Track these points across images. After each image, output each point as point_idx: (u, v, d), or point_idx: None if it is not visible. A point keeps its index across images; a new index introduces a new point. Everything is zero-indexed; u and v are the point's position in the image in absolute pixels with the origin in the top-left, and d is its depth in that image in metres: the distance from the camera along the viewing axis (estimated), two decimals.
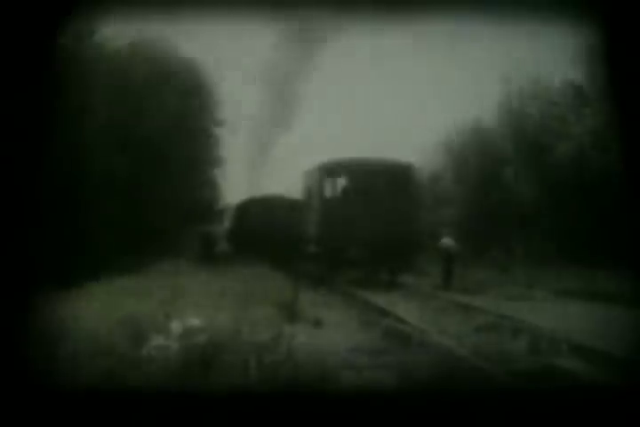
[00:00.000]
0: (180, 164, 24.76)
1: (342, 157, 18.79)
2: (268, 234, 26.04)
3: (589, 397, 5.97)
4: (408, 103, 60.24)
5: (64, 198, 15.40)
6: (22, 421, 5.21)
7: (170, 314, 8.31)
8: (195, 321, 7.84)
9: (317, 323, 10.19)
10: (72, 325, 7.77)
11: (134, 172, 21.23)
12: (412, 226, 17.82)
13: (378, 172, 18.03)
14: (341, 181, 18.45)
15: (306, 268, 19.42)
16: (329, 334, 9.40)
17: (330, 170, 18.29)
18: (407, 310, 11.95)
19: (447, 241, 17.47)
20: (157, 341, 7.17)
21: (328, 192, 18.31)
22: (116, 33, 20.33)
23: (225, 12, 12.33)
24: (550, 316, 11.11)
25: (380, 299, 13.63)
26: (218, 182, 30.52)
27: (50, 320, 7.93)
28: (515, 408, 5.51)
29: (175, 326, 7.63)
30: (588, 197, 22.01)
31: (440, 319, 10.75)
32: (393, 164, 18.47)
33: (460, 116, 43.63)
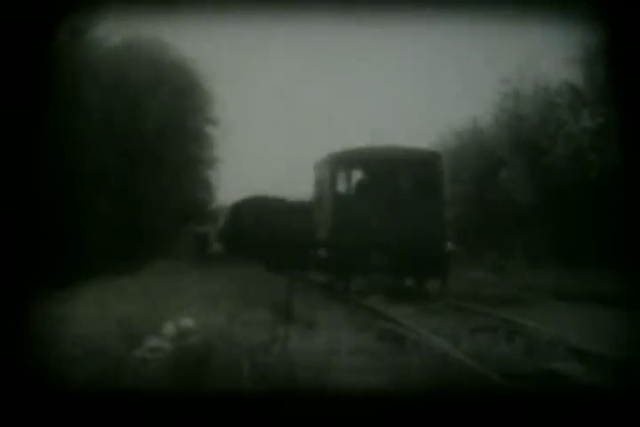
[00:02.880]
0: (175, 164, 24.69)
1: (357, 146, 16.21)
2: (262, 235, 25.98)
3: (586, 400, 5.95)
4: (406, 103, 60.42)
5: (58, 199, 15.33)
6: (18, 421, 5.17)
7: (164, 315, 8.28)
8: (188, 322, 7.82)
9: (310, 325, 10.11)
10: (66, 326, 7.74)
11: (128, 172, 21.18)
12: (440, 226, 15.35)
13: (399, 162, 15.33)
14: (357, 174, 16.02)
15: (315, 274, 18.04)
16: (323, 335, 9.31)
17: (343, 161, 15.61)
18: (402, 312, 11.88)
19: None
20: (151, 342, 7.15)
21: (341, 187, 15.73)
22: (113, 32, 20.29)
23: (223, 12, 12.31)
24: (547, 318, 11.06)
25: (376, 300, 13.55)
26: (212, 183, 30.43)
27: (44, 322, 7.90)
28: (511, 411, 5.48)
29: (169, 328, 7.60)
30: (585, 198, 22.01)
31: (436, 321, 10.71)
32: (417, 152, 15.93)
33: (457, 116, 43.77)
